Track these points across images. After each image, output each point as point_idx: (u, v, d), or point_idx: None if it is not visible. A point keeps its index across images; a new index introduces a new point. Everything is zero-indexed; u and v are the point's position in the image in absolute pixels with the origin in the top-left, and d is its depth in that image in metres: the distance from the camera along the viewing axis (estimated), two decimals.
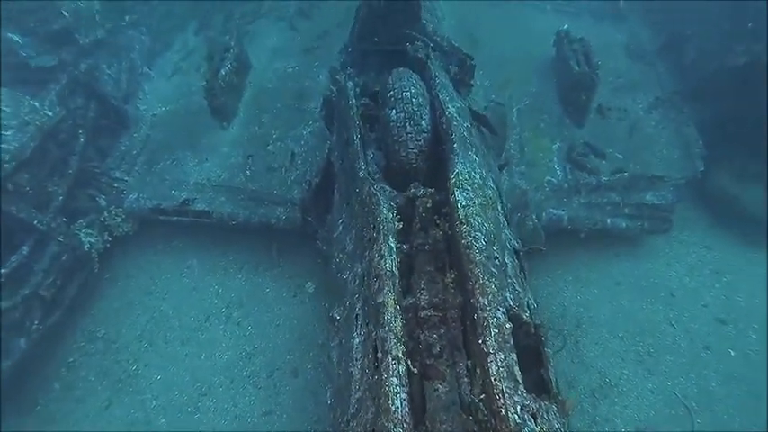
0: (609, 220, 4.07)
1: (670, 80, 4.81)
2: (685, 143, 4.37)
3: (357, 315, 2.32)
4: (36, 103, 3.80)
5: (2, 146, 3.40)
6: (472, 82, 3.64)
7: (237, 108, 4.51)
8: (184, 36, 5.83)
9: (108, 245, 4.16)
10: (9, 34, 3.88)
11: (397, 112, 2.81)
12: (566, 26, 4.67)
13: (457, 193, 2.30)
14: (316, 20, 5.48)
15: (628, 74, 4.85)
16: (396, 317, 1.95)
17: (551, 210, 3.95)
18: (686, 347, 3.90)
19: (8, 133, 3.47)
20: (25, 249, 3.50)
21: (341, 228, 2.99)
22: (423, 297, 2.30)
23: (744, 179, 4.41)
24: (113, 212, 4.19)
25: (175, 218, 4.10)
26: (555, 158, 4.15)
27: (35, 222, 3.57)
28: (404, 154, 2.76)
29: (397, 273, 2.13)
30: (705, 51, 4.56)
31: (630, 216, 4.10)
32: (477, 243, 2.09)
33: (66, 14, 4.12)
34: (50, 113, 3.85)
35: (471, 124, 3.11)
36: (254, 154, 4.13)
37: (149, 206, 4.13)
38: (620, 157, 4.21)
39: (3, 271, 3.31)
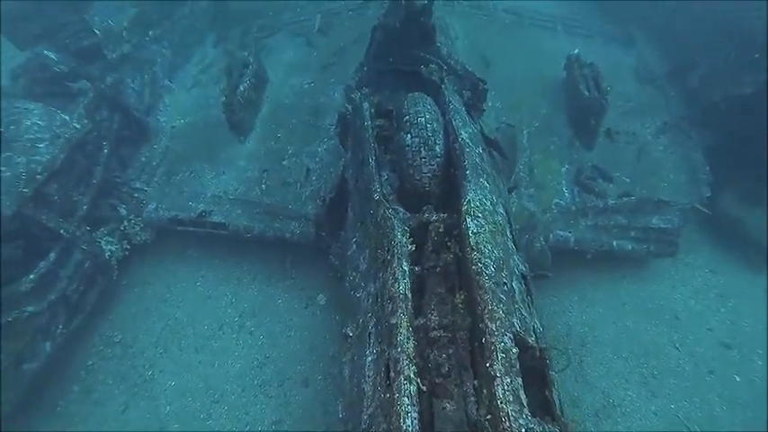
0: (615, 243, 4.18)
1: (678, 105, 4.93)
2: (692, 168, 4.49)
3: (370, 333, 2.46)
4: (66, 117, 4.01)
5: (35, 158, 3.62)
6: (484, 106, 3.79)
7: (254, 123, 4.71)
8: (203, 49, 6.06)
9: (127, 253, 4.38)
10: (45, 51, 4.11)
11: (412, 137, 2.96)
12: (576, 51, 4.81)
13: (468, 220, 2.44)
14: (332, 36, 5.68)
15: (637, 98, 4.98)
16: (408, 338, 2.08)
17: (558, 231, 4.08)
18: (690, 371, 3.98)
19: (41, 146, 3.68)
20: (52, 256, 3.69)
21: (354, 246, 3.14)
22: (433, 318, 2.43)
23: (748, 203, 4.52)
24: (133, 221, 4.39)
25: (192, 228, 4.29)
26: (563, 181, 4.28)
27: (62, 231, 3.77)
28: (418, 178, 2.91)
29: (410, 296, 2.27)
30: (712, 79, 4.68)
31: (637, 239, 4.21)
32: (486, 270, 2.23)
33: (98, 32, 4.36)
34: (78, 126, 4.06)
35: (483, 149, 3.26)
36: (270, 168, 4.31)
37: (167, 216, 4.32)
38: (628, 180, 4.33)
39: (31, 276, 3.51)
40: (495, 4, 6.10)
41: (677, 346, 4.11)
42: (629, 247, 4.19)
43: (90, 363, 3.98)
